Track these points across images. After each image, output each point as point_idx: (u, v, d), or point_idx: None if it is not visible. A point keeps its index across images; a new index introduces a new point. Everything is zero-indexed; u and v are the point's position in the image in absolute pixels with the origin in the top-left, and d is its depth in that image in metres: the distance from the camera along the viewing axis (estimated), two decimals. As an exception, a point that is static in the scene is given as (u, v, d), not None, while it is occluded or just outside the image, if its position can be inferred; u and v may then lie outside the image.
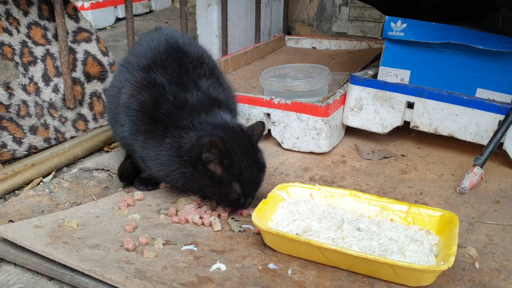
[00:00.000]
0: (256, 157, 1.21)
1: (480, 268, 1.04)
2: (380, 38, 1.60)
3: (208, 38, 2.40)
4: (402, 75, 1.60)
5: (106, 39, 2.76)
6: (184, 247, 1.10)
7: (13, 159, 1.54)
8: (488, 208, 1.27)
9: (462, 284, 1.00)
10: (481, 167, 1.34)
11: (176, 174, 1.21)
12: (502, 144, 1.41)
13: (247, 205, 1.22)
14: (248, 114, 1.62)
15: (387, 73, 1.62)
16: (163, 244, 1.10)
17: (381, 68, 1.63)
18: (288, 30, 2.97)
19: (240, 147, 1.19)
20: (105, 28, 3.19)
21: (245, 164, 1.18)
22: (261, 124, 1.27)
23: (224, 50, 2.36)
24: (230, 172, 1.16)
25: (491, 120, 1.42)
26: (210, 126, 1.21)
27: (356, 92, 1.59)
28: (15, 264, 1.06)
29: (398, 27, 1.54)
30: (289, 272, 1.03)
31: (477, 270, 1.04)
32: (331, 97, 1.57)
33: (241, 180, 1.17)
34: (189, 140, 1.19)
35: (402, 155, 1.56)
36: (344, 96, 1.62)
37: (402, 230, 1.12)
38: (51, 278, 1.02)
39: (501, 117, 1.40)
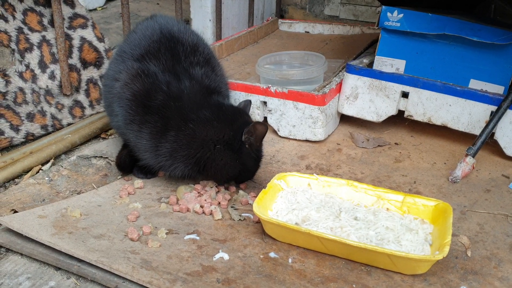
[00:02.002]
0: None
1: (472, 256, 1.09)
2: (377, 28, 1.61)
3: (201, 22, 2.39)
4: (397, 65, 1.62)
5: (97, 21, 2.71)
6: (187, 236, 1.13)
7: (11, 146, 1.54)
8: (479, 197, 1.32)
9: (455, 272, 1.04)
10: (473, 157, 1.38)
11: (181, 164, 1.25)
12: (493, 134, 1.45)
13: None
14: (245, 102, 1.63)
15: (382, 63, 1.64)
16: (166, 234, 1.13)
17: (376, 57, 1.65)
18: (281, 13, 2.96)
19: None
20: (95, 9, 3.14)
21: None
22: (249, 103, 1.41)
23: (218, 35, 2.34)
24: (258, 153, 1.31)
25: (483, 110, 1.46)
26: (229, 114, 1.28)
27: (352, 81, 1.61)
28: (21, 254, 1.07)
29: (394, 17, 1.56)
30: (290, 260, 1.06)
31: (469, 258, 1.08)
32: (327, 86, 1.59)
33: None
34: (216, 130, 1.24)
35: (396, 144, 1.60)
36: (339, 85, 1.64)
37: (398, 219, 1.15)
38: (58, 268, 1.04)
39: (494, 108, 1.44)
